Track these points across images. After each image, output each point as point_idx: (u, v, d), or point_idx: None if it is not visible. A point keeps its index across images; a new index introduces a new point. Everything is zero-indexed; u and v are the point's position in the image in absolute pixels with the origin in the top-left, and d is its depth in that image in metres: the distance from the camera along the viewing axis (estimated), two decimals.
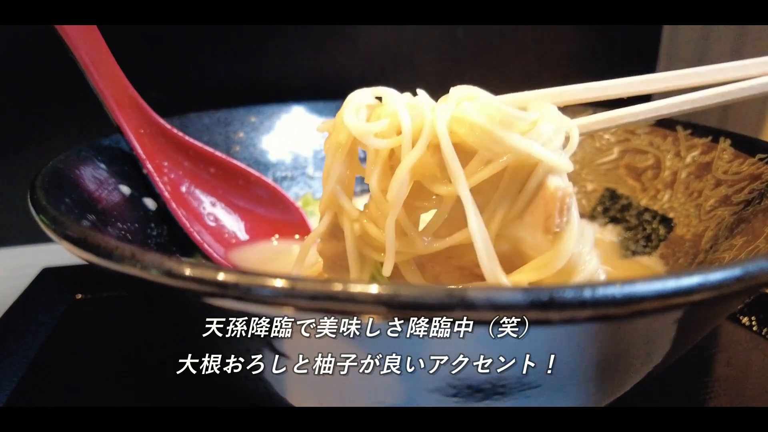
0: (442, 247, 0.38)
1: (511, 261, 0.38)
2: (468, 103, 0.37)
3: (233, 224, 0.59)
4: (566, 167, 0.36)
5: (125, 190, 0.49)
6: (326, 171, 0.41)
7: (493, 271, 0.35)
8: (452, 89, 0.40)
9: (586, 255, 0.36)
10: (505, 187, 0.37)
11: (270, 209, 0.60)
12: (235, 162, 0.59)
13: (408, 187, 0.38)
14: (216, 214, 0.58)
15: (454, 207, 0.38)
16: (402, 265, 0.41)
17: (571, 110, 0.42)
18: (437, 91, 0.44)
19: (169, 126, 0.56)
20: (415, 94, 0.41)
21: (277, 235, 0.60)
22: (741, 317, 0.55)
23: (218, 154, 0.58)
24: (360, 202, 0.42)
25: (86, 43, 0.48)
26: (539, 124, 0.36)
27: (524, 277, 0.36)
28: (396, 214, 0.38)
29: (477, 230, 0.35)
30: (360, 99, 0.41)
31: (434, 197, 0.39)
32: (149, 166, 0.52)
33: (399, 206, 0.38)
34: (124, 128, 0.51)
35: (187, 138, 0.56)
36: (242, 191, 0.59)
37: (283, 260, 0.57)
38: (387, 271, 0.38)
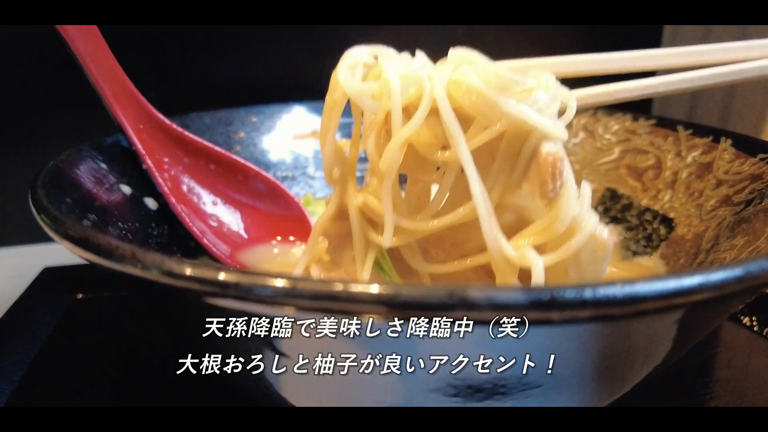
0: (445, 224, 0.38)
1: (516, 230, 0.37)
2: (466, 67, 0.37)
3: (235, 222, 0.59)
4: (560, 134, 0.36)
5: (126, 189, 0.49)
6: (323, 132, 0.40)
7: (494, 237, 0.35)
8: (451, 51, 0.39)
9: (584, 214, 0.36)
10: (502, 156, 0.37)
11: (270, 204, 0.60)
12: (234, 157, 0.59)
13: (402, 154, 0.37)
14: (217, 213, 0.58)
15: (456, 184, 0.37)
16: (405, 250, 0.40)
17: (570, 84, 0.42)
18: None
19: (168, 122, 0.56)
20: (413, 54, 0.40)
21: (279, 237, 0.60)
22: (742, 317, 0.55)
23: (217, 149, 0.58)
24: None
25: (84, 39, 0.48)
26: (535, 91, 0.36)
27: (525, 240, 0.35)
28: (390, 181, 0.37)
29: (478, 193, 0.35)
30: (357, 56, 0.40)
31: (437, 168, 0.38)
32: (149, 161, 0.52)
33: (393, 175, 0.37)
34: (123, 124, 0.51)
35: (186, 133, 0.57)
36: (242, 186, 0.59)
37: (289, 261, 0.57)
38: (387, 241, 0.37)
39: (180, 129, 0.56)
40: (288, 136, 0.70)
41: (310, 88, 0.82)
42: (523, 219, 0.38)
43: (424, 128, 0.37)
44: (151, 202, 0.52)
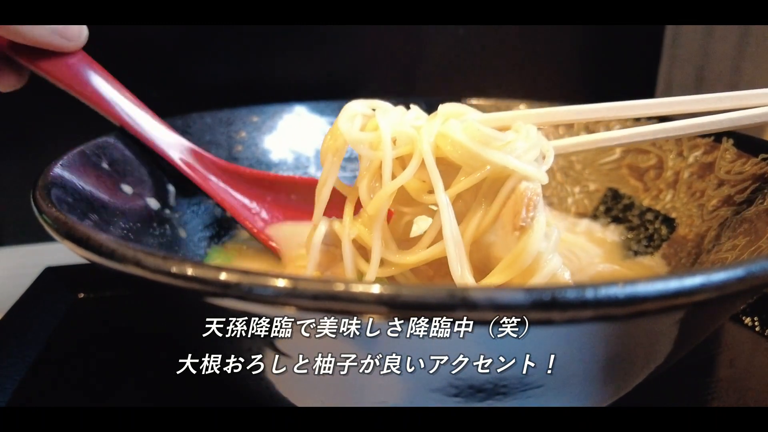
0: (425, 259, 0.41)
1: (485, 268, 0.40)
2: (454, 121, 0.41)
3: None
4: (540, 176, 0.39)
5: (127, 189, 0.50)
6: (323, 176, 0.44)
7: (461, 277, 0.38)
8: (441, 106, 0.43)
9: (549, 253, 0.38)
10: (482, 194, 0.40)
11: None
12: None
13: (390, 201, 0.41)
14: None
15: (438, 222, 0.40)
16: (399, 276, 0.43)
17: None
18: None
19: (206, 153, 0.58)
20: (408, 106, 0.44)
21: None
22: (744, 318, 0.55)
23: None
24: None
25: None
26: (514, 143, 0.39)
27: (493, 280, 0.38)
28: (380, 223, 0.41)
29: (450, 236, 0.39)
30: (356, 108, 0.44)
31: (422, 204, 0.42)
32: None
33: (382, 218, 0.41)
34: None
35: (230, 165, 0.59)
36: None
37: None
38: (371, 276, 0.41)
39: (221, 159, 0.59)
40: (289, 135, 0.70)
41: (311, 88, 0.83)
42: (492, 257, 0.40)
43: (414, 175, 0.41)
44: (152, 202, 0.52)
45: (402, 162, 0.41)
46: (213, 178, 0.58)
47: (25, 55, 0.47)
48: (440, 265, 0.43)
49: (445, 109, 0.42)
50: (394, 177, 0.41)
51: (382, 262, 0.42)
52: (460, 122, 0.40)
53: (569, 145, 0.48)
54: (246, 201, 0.59)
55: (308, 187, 0.60)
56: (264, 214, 0.60)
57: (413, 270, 0.43)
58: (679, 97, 0.46)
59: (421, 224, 0.48)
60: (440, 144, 0.40)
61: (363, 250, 0.43)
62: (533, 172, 0.39)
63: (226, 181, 0.58)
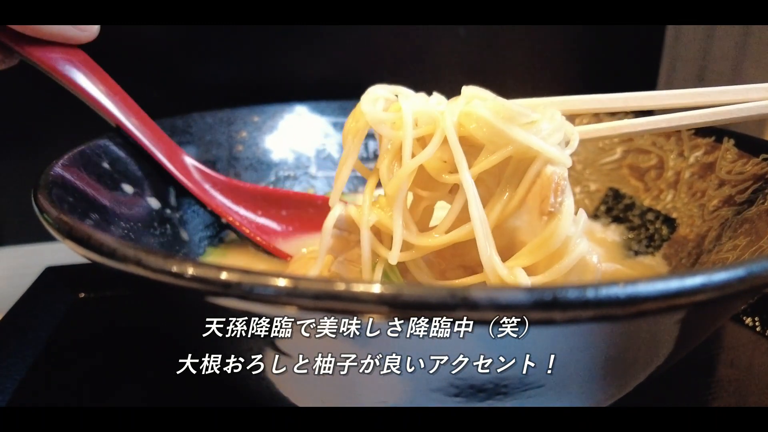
0: (447, 242, 0.40)
1: (510, 253, 0.39)
2: (477, 101, 0.40)
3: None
4: (564, 160, 0.38)
5: (128, 188, 0.50)
6: (344, 157, 0.44)
7: (489, 257, 0.37)
8: (464, 88, 0.42)
9: (577, 237, 0.37)
10: (507, 178, 0.39)
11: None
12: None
13: (410, 181, 0.40)
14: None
15: (464, 206, 0.40)
16: (411, 264, 0.42)
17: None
18: (440, 90, 0.44)
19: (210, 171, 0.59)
20: (430, 93, 0.44)
21: None
22: (744, 318, 0.55)
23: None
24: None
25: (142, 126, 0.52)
26: (539, 123, 0.39)
27: (519, 261, 0.38)
28: (400, 201, 0.40)
29: (476, 215, 0.38)
30: (378, 92, 0.43)
31: (442, 186, 0.42)
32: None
33: (401, 197, 0.40)
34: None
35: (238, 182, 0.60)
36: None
37: None
38: (393, 258, 0.40)
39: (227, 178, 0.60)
40: (290, 135, 0.70)
41: (312, 88, 0.83)
42: (517, 241, 0.40)
43: (434, 154, 0.40)
44: (153, 202, 0.52)
45: (423, 143, 0.41)
46: (214, 193, 0.58)
47: (21, 44, 0.46)
48: (452, 256, 0.43)
49: (469, 90, 0.42)
50: (413, 156, 0.40)
51: (404, 246, 0.41)
52: (484, 101, 0.40)
53: (593, 130, 0.48)
54: (242, 210, 0.59)
55: (305, 202, 0.61)
56: (259, 222, 0.60)
57: (426, 261, 0.43)
58: (709, 88, 0.46)
59: (439, 214, 0.46)
60: (464, 122, 0.39)
61: (379, 236, 0.42)
62: (558, 155, 0.38)
63: (226, 195, 0.59)
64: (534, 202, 0.38)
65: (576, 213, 0.38)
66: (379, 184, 0.43)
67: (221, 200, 0.58)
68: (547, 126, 0.39)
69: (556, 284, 0.36)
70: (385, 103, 0.43)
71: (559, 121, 0.40)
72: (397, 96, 0.44)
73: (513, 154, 0.38)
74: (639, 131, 0.48)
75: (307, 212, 0.61)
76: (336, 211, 0.43)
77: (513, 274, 0.37)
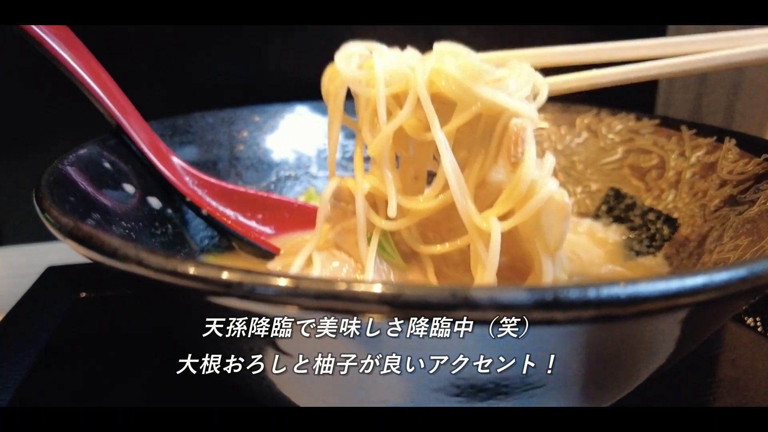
0: (438, 204, 0.41)
1: None
2: (449, 58, 0.41)
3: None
4: (528, 113, 0.40)
5: (129, 188, 0.50)
6: (330, 121, 0.45)
7: (465, 207, 0.39)
8: (436, 45, 0.43)
9: (543, 179, 0.39)
10: (480, 134, 0.41)
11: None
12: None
13: (389, 142, 0.42)
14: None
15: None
16: (405, 233, 0.44)
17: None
18: None
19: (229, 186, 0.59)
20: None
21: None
22: (745, 318, 0.55)
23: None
24: None
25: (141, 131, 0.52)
26: (507, 79, 0.40)
27: (495, 211, 0.39)
28: (387, 162, 0.42)
29: (450, 168, 0.39)
30: (352, 48, 0.44)
31: (424, 148, 0.44)
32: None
33: (387, 158, 0.42)
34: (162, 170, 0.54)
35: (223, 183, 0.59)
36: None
37: None
38: (392, 210, 0.42)
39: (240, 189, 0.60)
40: (291, 135, 0.70)
41: (313, 88, 0.83)
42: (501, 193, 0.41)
43: (411, 113, 0.41)
44: (154, 201, 0.52)
45: (398, 100, 0.42)
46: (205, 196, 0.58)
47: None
48: (444, 223, 0.44)
49: (441, 47, 0.43)
50: (390, 114, 0.41)
51: (397, 211, 0.42)
52: (455, 58, 0.41)
53: (563, 82, 0.48)
54: (232, 215, 0.59)
55: (298, 208, 0.61)
56: (255, 227, 0.60)
57: (420, 232, 0.44)
58: (683, 37, 0.46)
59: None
60: (434, 80, 0.40)
61: (374, 206, 0.44)
62: (523, 109, 0.39)
63: (218, 201, 0.58)
64: (505, 156, 0.40)
65: (541, 159, 0.40)
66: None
67: (201, 196, 0.57)
68: (513, 82, 0.40)
69: (556, 284, 0.37)
70: (360, 59, 0.44)
71: (527, 75, 0.41)
72: (371, 52, 0.44)
73: (482, 111, 0.40)
74: (611, 81, 0.48)
75: (283, 216, 0.61)
76: (333, 183, 0.44)
77: (486, 222, 0.39)
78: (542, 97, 0.42)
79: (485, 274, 0.39)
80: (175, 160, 0.56)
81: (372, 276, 0.43)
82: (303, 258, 0.45)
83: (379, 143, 0.42)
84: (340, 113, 0.44)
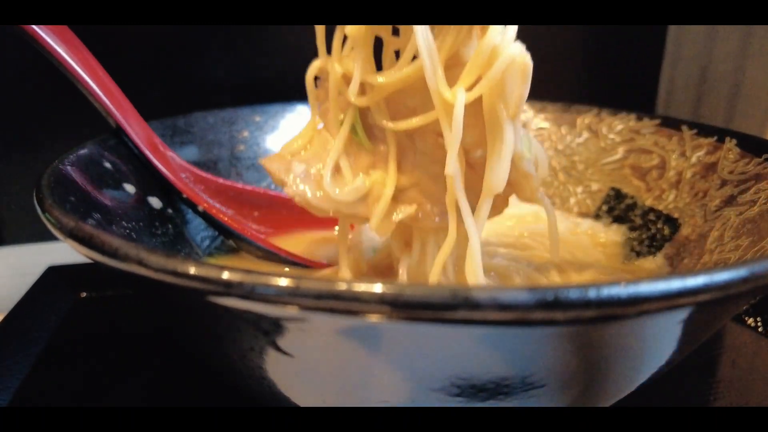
0: (404, 76, 0.41)
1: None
2: None
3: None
4: None
5: (130, 188, 0.50)
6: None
7: (433, 79, 0.38)
8: None
9: (505, 43, 0.38)
10: None
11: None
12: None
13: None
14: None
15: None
16: (374, 109, 0.43)
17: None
18: None
19: (221, 180, 0.58)
20: None
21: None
22: (746, 318, 0.55)
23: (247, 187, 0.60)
24: None
25: (136, 125, 0.52)
26: None
27: (463, 82, 0.38)
28: (362, 48, 0.42)
29: (420, 35, 0.39)
30: None
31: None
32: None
33: (364, 43, 0.42)
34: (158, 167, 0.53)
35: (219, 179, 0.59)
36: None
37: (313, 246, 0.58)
38: (353, 88, 0.42)
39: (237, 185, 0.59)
40: (291, 135, 0.69)
41: None
42: None
43: None
44: (155, 201, 0.52)
45: None
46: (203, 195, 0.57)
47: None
48: (411, 98, 0.43)
49: None
50: None
51: (365, 88, 0.42)
52: None
53: None
54: (229, 212, 0.59)
55: (295, 205, 0.61)
56: (252, 226, 0.60)
57: (390, 108, 0.44)
58: None
59: None
60: None
61: (348, 80, 0.44)
62: None
63: (213, 197, 0.58)
64: (479, 27, 0.40)
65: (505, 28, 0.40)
66: None
67: (198, 193, 0.57)
68: None
69: (557, 284, 0.36)
70: None
71: None
72: None
73: None
74: None
75: (280, 213, 0.60)
76: (315, 64, 0.46)
77: (452, 93, 0.38)
78: None
79: (449, 153, 0.38)
80: (171, 155, 0.56)
81: (339, 152, 0.44)
82: (304, 132, 0.47)
83: (358, 27, 0.42)
84: None
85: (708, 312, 0.33)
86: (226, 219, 0.56)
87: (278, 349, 0.30)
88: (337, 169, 0.45)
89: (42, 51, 0.46)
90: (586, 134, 0.65)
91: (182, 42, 0.78)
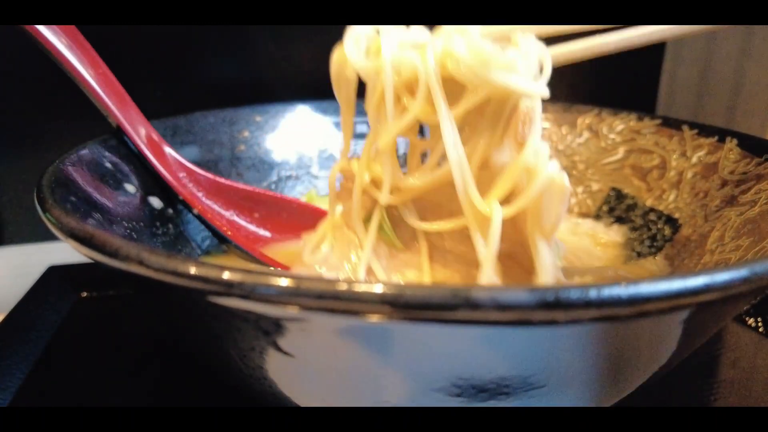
0: (432, 181, 0.42)
1: None
2: (458, 37, 0.41)
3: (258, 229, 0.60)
4: (538, 92, 0.40)
5: (131, 188, 0.50)
6: (342, 113, 0.46)
7: (464, 189, 0.39)
8: (443, 28, 0.43)
9: (543, 164, 0.38)
10: (488, 116, 0.41)
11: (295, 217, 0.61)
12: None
13: (396, 137, 0.42)
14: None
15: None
16: (402, 210, 0.44)
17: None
18: None
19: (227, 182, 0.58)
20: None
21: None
22: (747, 318, 0.55)
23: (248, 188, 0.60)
24: None
25: (136, 126, 0.52)
26: (516, 62, 0.40)
27: (495, 193, 0.39)
28: (389, 156, 0.42)
29: (450, 142, 0.39)
30: (360, 30, 0.44)
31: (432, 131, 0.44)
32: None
33: (391, 151, 0.42)
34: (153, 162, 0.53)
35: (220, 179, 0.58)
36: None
37: None
38: (384, 197, 0.43)
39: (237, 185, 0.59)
40: (292, 135, 0.70)
41: (314, 88, 0.83)
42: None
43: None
44: (155, 201, 0.52)
45: (408, 86, 0.42)
46: (188, 184, 0.57)
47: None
48: (449, 214, 0.43)
49: (449, 27, 0.43)
50: (399, 101, 0.41)
51: (393, 190, 0.43)
52: (463, 38, 0.40)
53: (568, 51, 0.47)
54: (227, 214, 0.58)
55: (297, 208, 0.61)
56: (251, 229, 0.59)
57: (418, 208, 0.44)
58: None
59: None
60: (445, 63, 0.40)
61: (378, 185, 0.44)
62: (534, 90, 0.39)
63: (199, 188, 0.57)
64: (512, 136, 0.40)
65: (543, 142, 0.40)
66: None
67: (194, 193, 0.56)
68: (523, 63, 0.40)
69: (557, 284, 0.36)
70: (367, 41, 0.44)
71: (534, 55, 0.41)
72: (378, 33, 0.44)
73: (492, 94, 0.40)
74: (615, 48, 0.48)
75: (281, 216, 0.60)
76: (338, 165, 0.46)
77: (489, 206, 0.38)
78: (547, 70, 0.42)
79: (484, 266, 0.38)
80: (171, 154, 0.55)
81: (369, 254, 0.44)
82: (320, 233, 0.47)
83: (387, 137, 0.42)
84: (353, 105, 0.45)
85: (709, 312, 0.33)
86: (218, 223, 0.55)
87: (279, 349, 0.30)
88: (369, 271, 0.44)
89: (41, 48, 0.46)
90: (586, 134, 0.65)
91: (183, 42, 0.78)
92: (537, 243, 0.39)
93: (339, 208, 0.47)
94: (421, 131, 0.46)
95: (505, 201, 0.39)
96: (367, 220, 0.45)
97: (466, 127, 0.41)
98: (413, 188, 0.42)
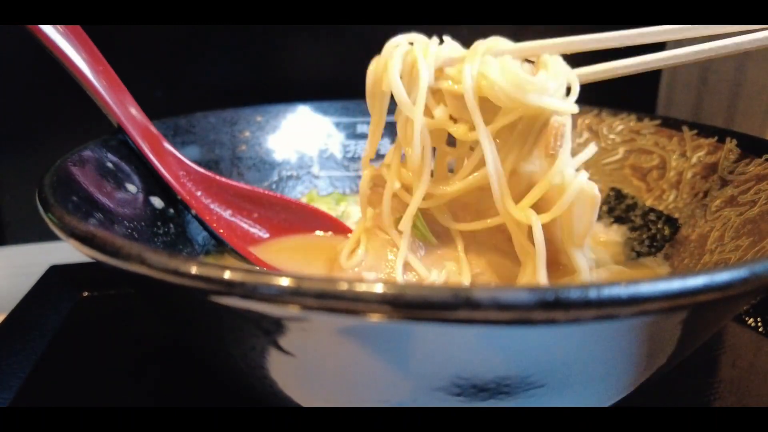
0: (463, 187, 0.45)
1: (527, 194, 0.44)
2: (491, 59, 0.44)
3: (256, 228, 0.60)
4: (570, 109, 0.43)
5: (132, 188, 0.50)
6: (373, 122, 0.48)
7: (501, 199, 0.43)
8: (476, 43, 0.45)
9: (574, 174, 0.42)
10: (519, 131, 0.44)
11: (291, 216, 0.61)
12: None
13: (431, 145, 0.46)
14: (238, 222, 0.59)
15: (478, 155, 0.44)
16: (436, 211, 0.48)
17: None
18: None
19: (225, 180, 0.58)
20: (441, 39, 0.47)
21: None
22: (746, 318, 0.55)
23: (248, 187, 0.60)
24: None
25: (135, 126, 0.52)
26: (547, 83, 0.43)
27: (528, 201, 0.43)
28: (422, 175, 0.45)
29: (491, 162, 0.43)
30: (396, 45, 0.46)
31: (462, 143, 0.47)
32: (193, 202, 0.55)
33: (428, 167, 0.46)
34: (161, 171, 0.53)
35: (219, 178, 0.58)
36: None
37: (311, 252, 0.58)
38: (414, 204, 0.45)
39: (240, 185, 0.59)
40: (293, 135, 0.70)
41: (315, 88, 0.83)
42: (535, 182, 0.44)
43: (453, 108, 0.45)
44: (157, 201, 0.52)
45: (440, 96, 0.45)
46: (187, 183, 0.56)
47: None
48: (473, 205, 0.48)
49: (481, 46, 0.45)
50: (429, 111, 0.45)
51: (427, 196, 0.46)
52: (497, 60, 0.43)
53: (592, 72, 0.50)
54: (225, 213, 0.58)
55: (297, 208, 0.61)
56: (248, 229, 0.59)
57: (451, 211, 0.48)
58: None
59: None
60: (480, 83, 0.43)
61: (408, 189, 0.47)
62: (564, 107, 0.43)
63: (198, 187, 0.57)
64: (543, 148, 0.44)
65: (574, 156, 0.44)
66: None
67: (192, 192, 0.56)
68: (553, 84, 0.43)
69: (558, 284, 0.37)
70: (403, 55, 0.45)
71: (563, 74, 0.44)
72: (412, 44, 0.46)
73: (525, 114, 0.43)
74: (637, 70, 0.50)
75: (279, 216, 0.60)
76: (369, 172, 0.49)
77: (525, 214, 0.42)
78: (575, 90, 0.45)
79: (536, 269, 0.42)
80: (172, 152, 0.55)
81: (406, 251, 0.46)
82: (354, 238, 0.49)
83: (415, 159, 0.45)
84: (384, 116, 0.48)
85: (708, 312, 0.33)
86: (215, 225, 0.55)
87: (279, 348, 0.30)
88: (407, 267, 0.47)
89: (43, 47, 0.46)
90: (586, 134, 0.65)
91: (184, 42, 0.78)
92: (569, 250, 0.43)
93: (370, 212, 0.50)
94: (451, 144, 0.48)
95: (534, 206, 0.43)
96: (398, 223, 0.47)
97: (498, 140, 0.44)
98: (446, 195, 0.46)
